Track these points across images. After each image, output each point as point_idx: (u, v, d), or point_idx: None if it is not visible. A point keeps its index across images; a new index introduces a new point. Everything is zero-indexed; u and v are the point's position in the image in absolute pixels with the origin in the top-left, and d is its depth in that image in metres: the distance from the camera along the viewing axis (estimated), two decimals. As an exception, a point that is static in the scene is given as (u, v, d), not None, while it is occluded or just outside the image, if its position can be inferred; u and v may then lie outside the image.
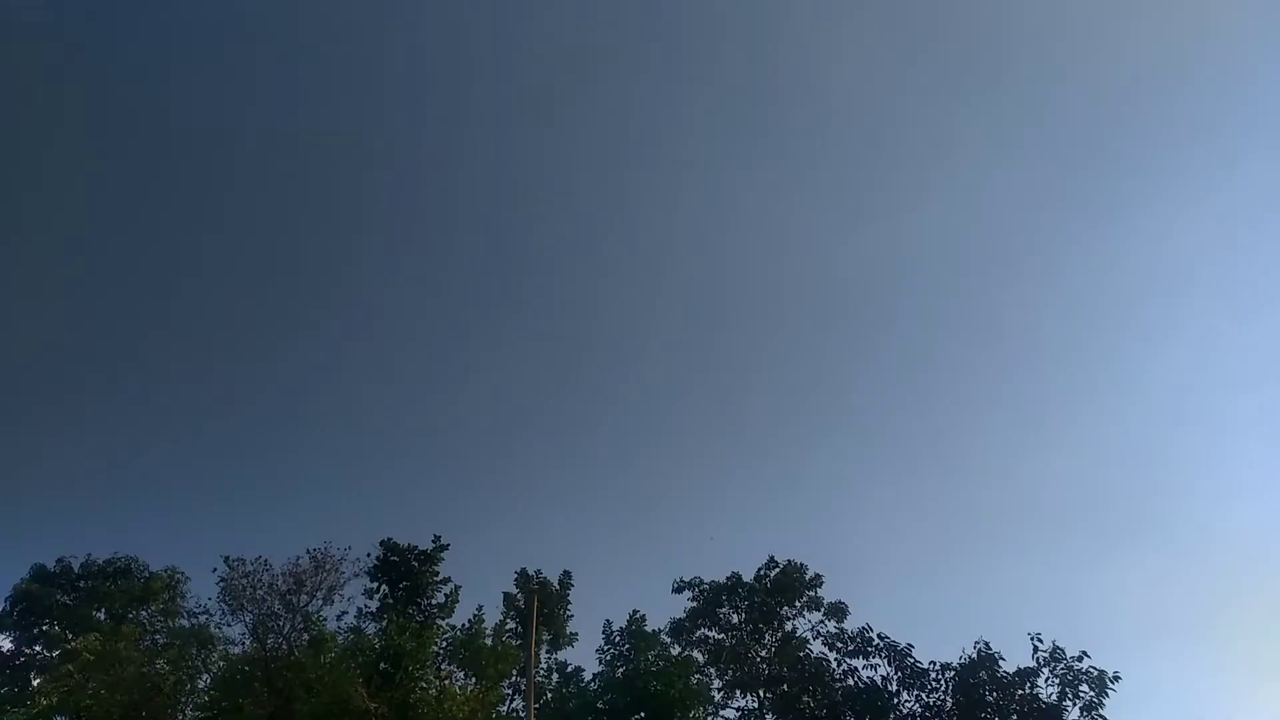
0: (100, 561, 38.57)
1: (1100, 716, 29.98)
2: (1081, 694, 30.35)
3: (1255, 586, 65.62)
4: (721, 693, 35.68)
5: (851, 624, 35.12)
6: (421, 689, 29.82)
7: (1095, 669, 30.33)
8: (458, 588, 33.53)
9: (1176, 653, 60.91)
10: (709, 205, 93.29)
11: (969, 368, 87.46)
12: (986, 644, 31.92)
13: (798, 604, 35.92)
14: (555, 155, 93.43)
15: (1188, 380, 79.82)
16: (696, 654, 36.20)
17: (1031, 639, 31.67)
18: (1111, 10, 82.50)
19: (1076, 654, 30.75)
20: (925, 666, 32.52)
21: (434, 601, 33.27)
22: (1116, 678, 30.45)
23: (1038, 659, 31.22)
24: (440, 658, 31.77)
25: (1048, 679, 31.03)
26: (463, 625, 32.87)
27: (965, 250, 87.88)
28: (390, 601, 32.87)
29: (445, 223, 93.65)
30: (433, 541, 34.20)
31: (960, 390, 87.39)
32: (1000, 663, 31.52)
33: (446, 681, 30.93)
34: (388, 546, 33.91)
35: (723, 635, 36.55)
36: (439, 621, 32.60)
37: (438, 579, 33.57)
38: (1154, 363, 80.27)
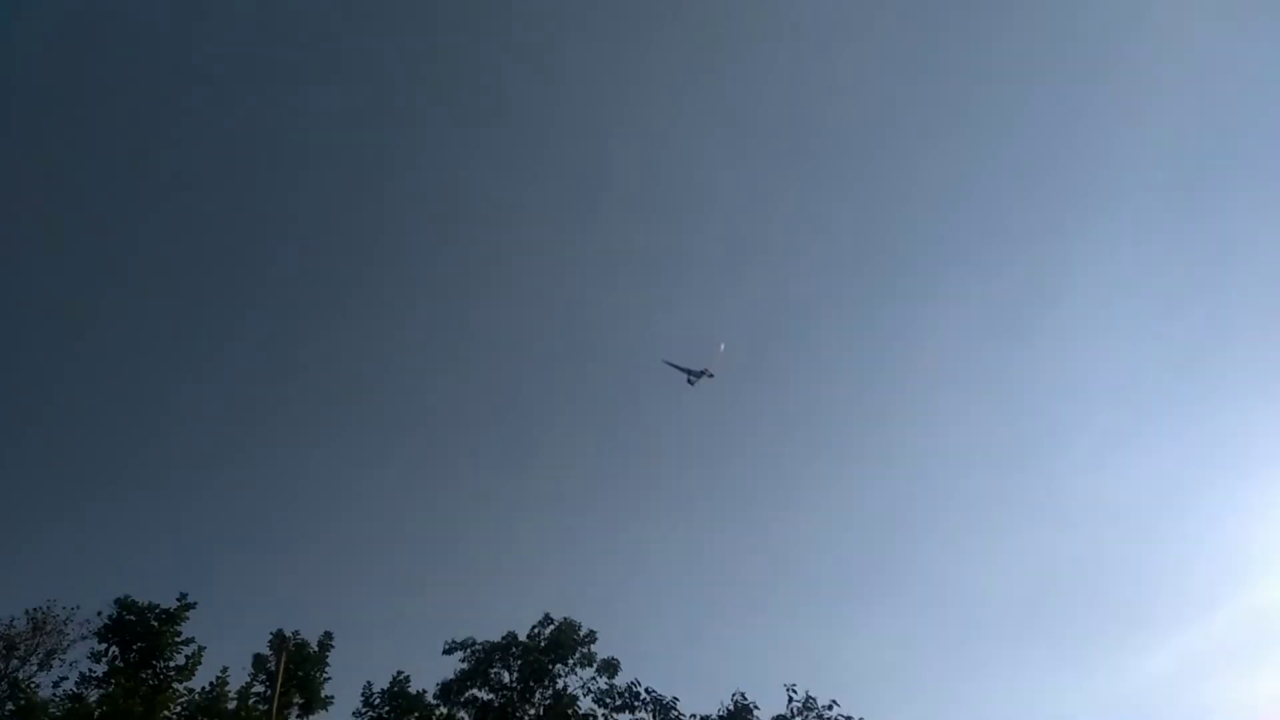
0: None
1: (847, 763, 33.17)
2: (830, 740, 33.38)
3: (988, 643, 75.26)
4: (487, 754, 36.40)
5: (622, 679, 36.77)
6: (149, 759, 28.96)
7: (843, 716, 33.46)
8: (201, 649, 32.50)
9: (918, 702, 68.56)
10: (521, 274, 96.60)
11: (736, 437, 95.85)
12: (743, 694, 34.43)
13: (570, 661, 37.26)
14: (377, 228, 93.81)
15: (932, 460, 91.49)
16: (464, 715, 36.77)
17: (787, 689, 34.50)
18: (909, 124, 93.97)
19: (827, 703, 33.81)
20: (688, 719, 34.72)
21: (172, 664, 32.23)
22: (861, 722, 33.72)
23: (791, 708, 34.02)
24: (174, 725, 30.89)
25: (801, 726, 33.90)
26: (203, 689, 32.08)
27: (760, 328, 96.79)
28: (120, 665, 31.60)
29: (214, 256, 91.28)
30: (177, 600, 33.20)
31: (729, 458, 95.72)
32: (756, 711, 34.11)
33: (179, 751, 30.14)
34: (124, 604, 32.61)
35: (493, 695, 37.32)
36: (176, 685, 31.63)
37: (179, 640, 32.57)
38: (905, 441, 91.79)
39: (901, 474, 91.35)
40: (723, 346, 38.35)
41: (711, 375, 39.31)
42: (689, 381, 38.80)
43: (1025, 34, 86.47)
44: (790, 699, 34.21)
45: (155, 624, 32.54)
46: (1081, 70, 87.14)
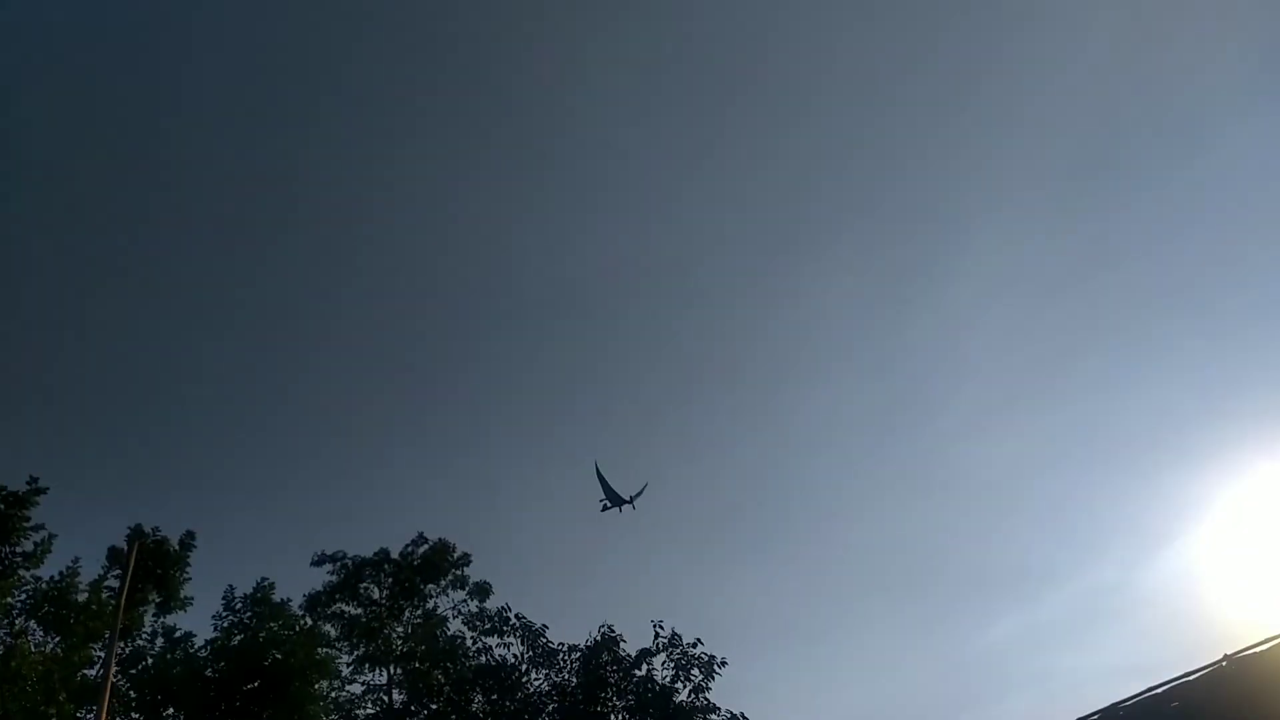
0: None
1: (706, 698, 35.22)
2: (693, 676, 35.27)
3: (847, 598, 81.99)
4: (351, 667, 36.87)
5: (493, 604, 37.70)
6: (-13, 646, 28.03)
7: (706, 654, 35.42)
8: (51, 536, 31.22)
9: (784, 649, 74.10)
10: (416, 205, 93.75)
11: (635, 384, 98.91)
12: (610, 627, 35.83)
13: (442, 582, 37.92)
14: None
15: (823, 421, 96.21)
16: (330, 628, 37.03)
17: (654, 625, 36.16)
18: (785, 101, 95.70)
19: (691, 640, 35.76)
20: (556, 647, 36.00)
21: (19, 550, 30.89)
22: (723, 663, 35.43)
23: (657, 643, 35.78)
24: (18, 612, 29.85)
25: (664, 662, 35.70)
26: (51, 578, 31.02)
27: (641, 263, 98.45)
28: (-41, 547, 30.09)
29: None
30: (28, 483, 31.64)
31: (626, 403, 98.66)
32: (622, 644, 35.74)
33: (20, 639, 29.21)
34: (-35, 485, 30.90)
35: (361, 610, 37.68)
36: (22, 572, 30.44)
37: (29, 525, 31.16)
38: (798, 402, 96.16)
39: (780, 431, 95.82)
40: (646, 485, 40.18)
41: (625, 502, 40.96)
42: (603, 505, 39.96)
43: (926, 17, 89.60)
44: (656, 635, 35.98)
45: (1, 506, 31.01)
46: (979, 58, 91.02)
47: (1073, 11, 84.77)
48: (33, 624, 30.19)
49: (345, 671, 36.53)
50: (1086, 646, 71.56)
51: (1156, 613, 71.89)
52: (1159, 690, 15.68)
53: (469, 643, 36.76)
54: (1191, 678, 15.25)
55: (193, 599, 34.36)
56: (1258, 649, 14.42)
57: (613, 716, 35.40)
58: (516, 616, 36.79)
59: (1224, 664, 14.78)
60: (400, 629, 37.35)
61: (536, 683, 36.10)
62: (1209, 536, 68.53)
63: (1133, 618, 74.30)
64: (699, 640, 35.45)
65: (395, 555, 38.21)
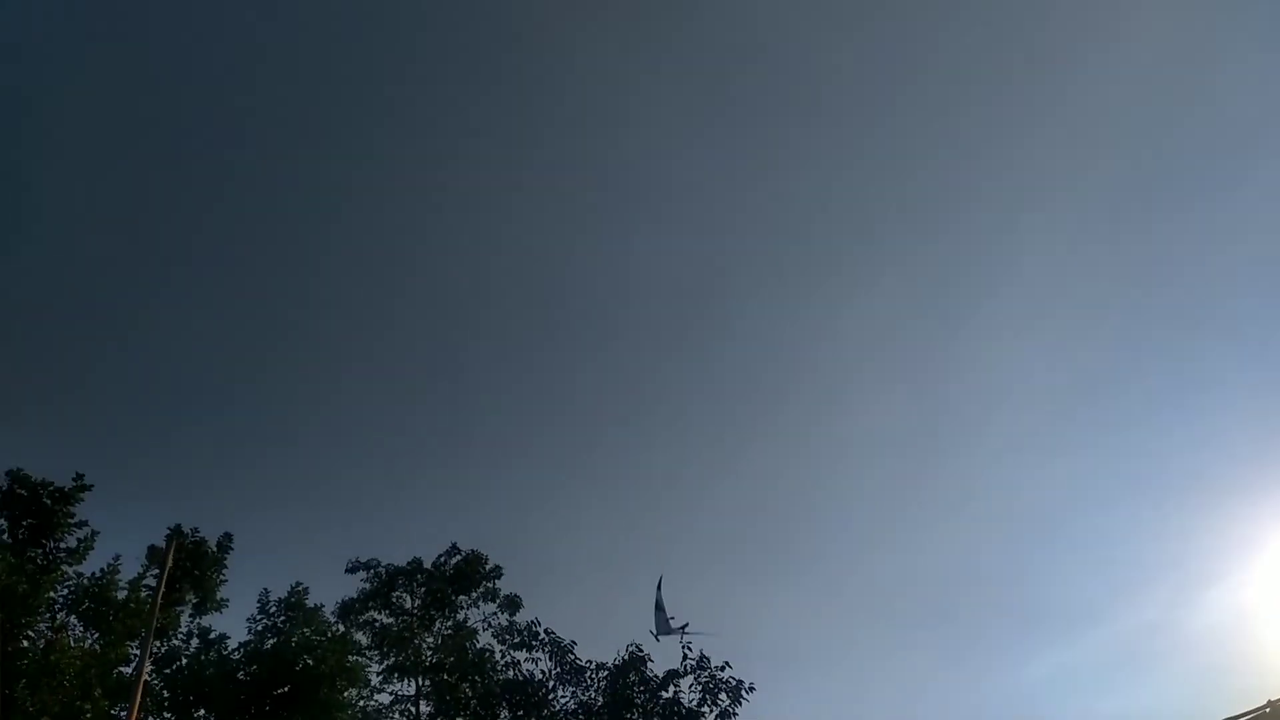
0: None
1: (732, 724, 35.10)
2: (720, 701, 35.16)
3: (884, 627, 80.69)
4: (381, 676, 37.35)
5: (522, 618, 37.96)
6: (30, 638, 28.91)
7: (734, 679, 35.31)
8: (94, 533, 32.18)
9: (808, 675, 73.11)
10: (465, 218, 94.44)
11: (663, 395, 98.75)
12: (638, 646, 35.91)
13: (473, 594, 38.33)
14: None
15: (859, 442, 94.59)
16: (361, 636, 37.57)
17: (682, 646, 36.15)
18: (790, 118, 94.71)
19: (720, 664, 35.64)
20: (584, 664, 36.13)
21: (63, 546, 31.89)
22: (751, 688, 35.37)
23: (685, 665, 35.76)
24: (60, 607, 30.77)
25: (692, 685, 35.64)
26: (93, 575, 31.93)
27: (682, 277, 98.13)
28: (8, 540, 31.10)
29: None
30: (73, 480, 32.66)
31: (665, 420, 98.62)
32: (650, 664, 35.75)
33: (60, 634, 30.07)
34: (15, 477, 31.90)
35: (393, 619, 38.20)
36: (65, 567, 31.40)
37: (73, 521, 32.16)
38: (834, 422, 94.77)
39: (815, 451, 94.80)
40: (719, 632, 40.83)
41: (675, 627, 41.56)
42: (667, 624, 40.38)
43: (972, 32, 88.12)
44: (685, 656, 35.95)
45: (48, 502, 32.02)
46: (1027, 71, 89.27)
47: (1124, 23, 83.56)
48: (73, 619, 31.08)
49: (374, 680, 37.02)
50: (1126, 689, 69.83)
51: (1200, 655, 69.96)
52: (1199, 735, 15.51)
53: (497, 656, 37.07)
54: (1233, 723, 15.09)
55: (228, 601, 35.16)
56: (1302, 696, 14.25)
57: (638, 738, 35.54)
58: (546, 631, 37.05)
59: (1267, 710, 14.61)
60: (430, 639, 37.77)
61: (563, 700, 36.28)
62: (1257, 578, 66.54)
63: (1175, 660, 72.37)
64: (727, 664, 35.37)
65: (428, 565, 38.70)
